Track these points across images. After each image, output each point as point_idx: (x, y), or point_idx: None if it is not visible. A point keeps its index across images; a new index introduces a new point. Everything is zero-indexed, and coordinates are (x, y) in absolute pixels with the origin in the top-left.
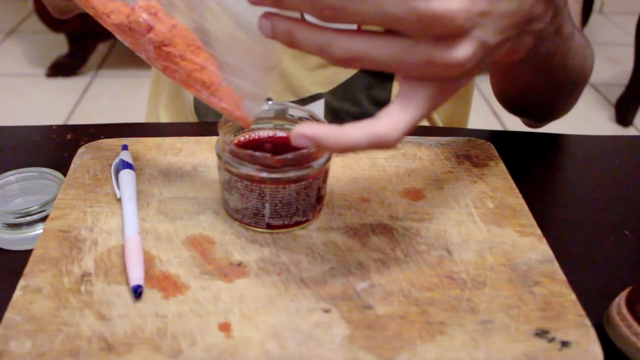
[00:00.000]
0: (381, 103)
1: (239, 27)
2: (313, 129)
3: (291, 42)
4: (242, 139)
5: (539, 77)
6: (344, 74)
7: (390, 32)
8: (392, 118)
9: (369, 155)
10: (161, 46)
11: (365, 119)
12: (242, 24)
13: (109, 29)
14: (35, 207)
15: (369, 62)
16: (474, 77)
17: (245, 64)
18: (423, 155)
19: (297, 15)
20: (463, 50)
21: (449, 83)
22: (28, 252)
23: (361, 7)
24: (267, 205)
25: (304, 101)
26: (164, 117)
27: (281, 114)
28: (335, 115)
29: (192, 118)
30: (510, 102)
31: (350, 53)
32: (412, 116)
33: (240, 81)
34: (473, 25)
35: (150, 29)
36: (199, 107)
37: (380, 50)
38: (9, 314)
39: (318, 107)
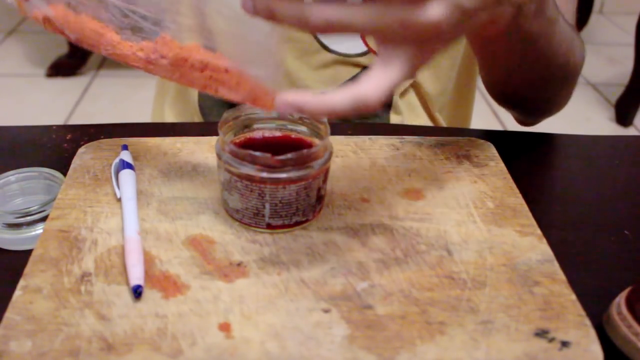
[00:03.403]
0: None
1: (235, 23)
2: (297, 96)
3: (272, 17)
4: (242, 139)
5: (524, 60)
6: (347, 73)
7: None
8: (373, 80)
9: (369, 155)
10: (203, 69)
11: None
12: (236, 20)
13: (133, 64)
14: (35, 207)
15: (345, 28)
16: (455, 43)
17: (252, 53)
18: (423, 155)
19: None
20: (435, 10)
21: (426, 44)
22: (28, 252)
23: None
24: (267, 205)
25: None
26: (169, 116)
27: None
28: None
29: (196, 117)
30: (500, 91)
31: (326, 21)
32: (392, 77)
33: (255, 69)
34: None
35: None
36: (204, 106)
37: (354, 17)
38: (9, 314)
39: None
